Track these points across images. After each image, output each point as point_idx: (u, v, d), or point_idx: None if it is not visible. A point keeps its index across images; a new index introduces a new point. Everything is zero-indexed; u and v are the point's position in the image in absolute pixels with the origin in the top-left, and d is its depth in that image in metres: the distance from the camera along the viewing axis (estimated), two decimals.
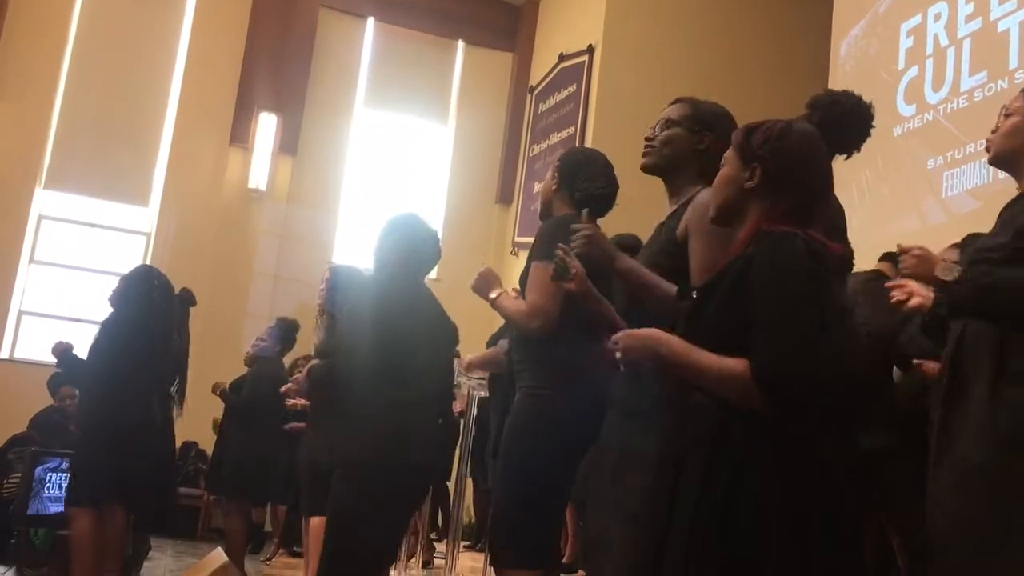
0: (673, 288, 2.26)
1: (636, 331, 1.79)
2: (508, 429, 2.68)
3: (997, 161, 2.54)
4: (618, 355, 1.80)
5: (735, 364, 1.63)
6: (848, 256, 2.44)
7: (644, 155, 2.54)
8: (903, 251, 2.53)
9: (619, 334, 1.82)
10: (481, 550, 5.67)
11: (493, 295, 2.83)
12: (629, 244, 3.29)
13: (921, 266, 2.47)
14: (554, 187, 2.91)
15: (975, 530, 2.20)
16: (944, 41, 5.52)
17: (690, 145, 2.46)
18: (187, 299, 4.77)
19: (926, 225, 5.37)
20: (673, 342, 1.73)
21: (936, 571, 2.30)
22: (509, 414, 2.76)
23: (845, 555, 1.63)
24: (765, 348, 1.61)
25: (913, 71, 5.74)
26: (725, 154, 1.92)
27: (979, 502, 2.21)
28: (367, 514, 2.81)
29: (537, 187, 8.92)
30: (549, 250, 2.50)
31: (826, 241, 1.78)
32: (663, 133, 2.50)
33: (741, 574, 1.57)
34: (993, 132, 2.53)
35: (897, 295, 2.59)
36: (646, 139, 2.54)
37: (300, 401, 5.38)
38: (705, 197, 2.28)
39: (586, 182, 2.86)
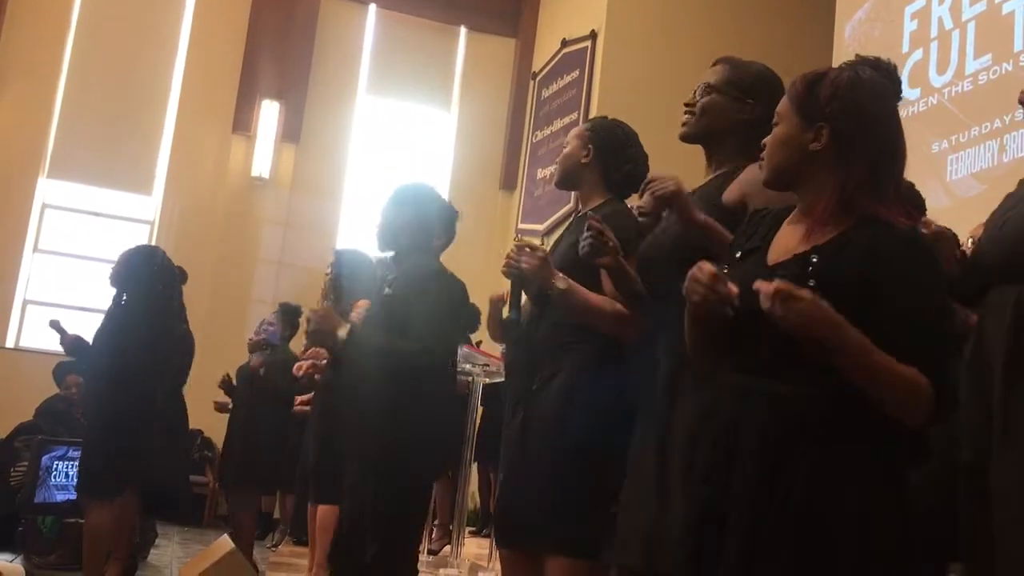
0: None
1: (809, 296, 1.46)
2: (560, 407, 2.46)
3: None
4: (777, 310, 1.47)
5: (914, 373, 1.48)
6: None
7: (683, 123, 2.35)
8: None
9: (790, 288, 1.47)
10: (486, 536, 5.69)
11: (563, 285, 2.43)
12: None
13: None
14: (585, 159, 2.68)
15: None
16: (949, 24, 5.49)
17: (731, 115, 2.27)
18: (178, 278, 4.77)
19: (930, 209, 5.33)
20: (852, 330, 1.48)
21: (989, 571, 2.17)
22: (532, 394, 2.57)
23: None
24: (938, 365, 1.50)
25: (918, 54, 5.72)
26: (778, 109, 1.72)
27: None
28: (414, 526, 2.86)
29: (541, 173, 8.91)
30: (628, 245, 2.35)
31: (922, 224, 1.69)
32: (703, 100, 2.32)
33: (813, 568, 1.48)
34: None
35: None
36: (686, 105, 2.36)
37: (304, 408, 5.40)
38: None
39: (629, 164, 2.68)
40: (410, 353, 2.72)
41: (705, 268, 1.60)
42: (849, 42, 6.47)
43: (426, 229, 3.01)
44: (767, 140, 1.72)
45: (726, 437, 1.60)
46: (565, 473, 2.41)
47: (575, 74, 8.62)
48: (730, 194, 2.18)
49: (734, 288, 1.57)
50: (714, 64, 2.39)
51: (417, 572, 2.94)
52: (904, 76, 5.76)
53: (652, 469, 2.11)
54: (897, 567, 1.50)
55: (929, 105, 5.53)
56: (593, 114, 8.05)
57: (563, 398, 2.47)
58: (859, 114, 1.63)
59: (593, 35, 8.37)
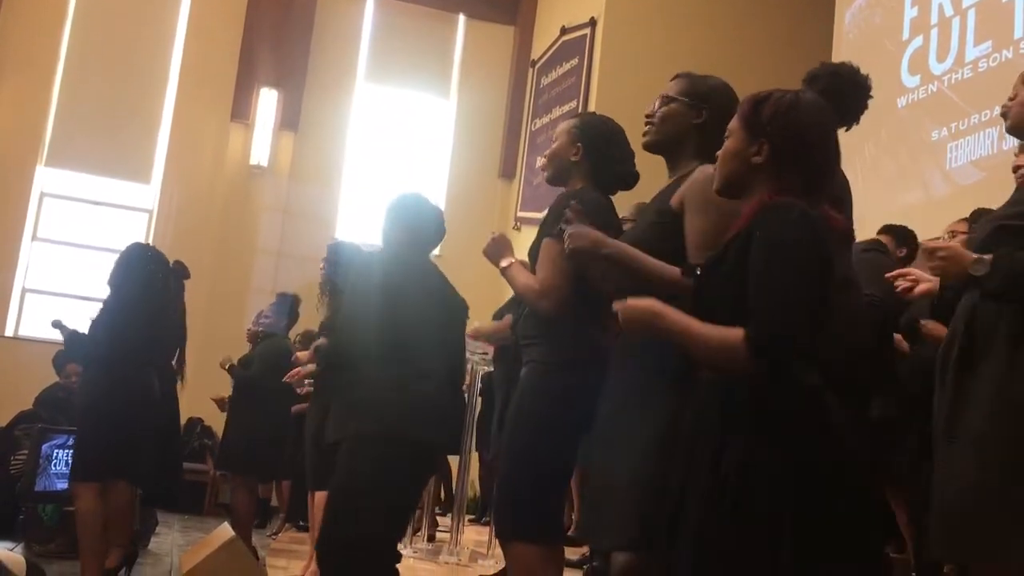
0: (671, 270, 2.20)
1: (636, 302, 1.78)
2: (516, 403, 2.63)
3: (1015, 130, 2.54)
4: (620, 324, 1.80)
5: (728, 332, 1.64)
6: (849, 230, 2.42)
7: (644, 133, 2.50)
8: (929, 251, 2.48)
9: (620, 303, 1.80)
10: (486, 524, 5.71)
11: (504, 264, 2.72)
12: None
13: (951, 267, 2.41)
14: (575, 157, 2.76)
15: (993, 501, 2.19)
16: (949, 11, 5.47)
17: (687, 120, 2.42)
18: (180, 272, 4.78)
19: (930, 196, 5.35)
20: (669, 314, 1.73)
21: (951, 543, 2.29)
22: (514, 387, 2.71)
23: (857, 514, 1.65)
24: (755, 314, 1.63)
25: (918, 41, 5.70)
26: (730, 125, 1.88)
27: (997, 473, 2.20)
28: (369, 488, 2.80)
29: (540, 161, 8.90)
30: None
31: (830, 213, 1.79)
32: (661, 110, 2.47)
33: (756, 539, 1.59)
34: (1011, 99, 2.51)
35: (902, 284, 2.71)
36: (646, 116, 2.51)
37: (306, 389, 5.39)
38: (705, 171, 2.25)
39: (616, 163, 2.75)
40: (323, 352, 3.00)
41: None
42: (849, 28, 6.46)
43: (417, 230, 3.18)
44: (719, 153, 1.89)
45: (693, 428, 1.76)
46: (517, 460, 2.58)
47: (574, 62, 8.60)
48: (676, 198, 2.33)
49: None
50: (672, 79, 2.53)
51: (398, 558, 2.95)
52: (904, 63, 5.77)
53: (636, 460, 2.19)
54: (823, 536, 1.60)
55: (929, 93, 5.52)
56: (593, 102, 8.04)
57: (523, 391, 2.61)
58: (795, 132, 1.79)
59: (592, 22, 8.34)
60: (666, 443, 2.00)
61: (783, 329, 1.62)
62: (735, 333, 1.64)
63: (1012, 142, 4.75)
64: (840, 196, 2.46)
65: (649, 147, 2.51)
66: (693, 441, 1.74)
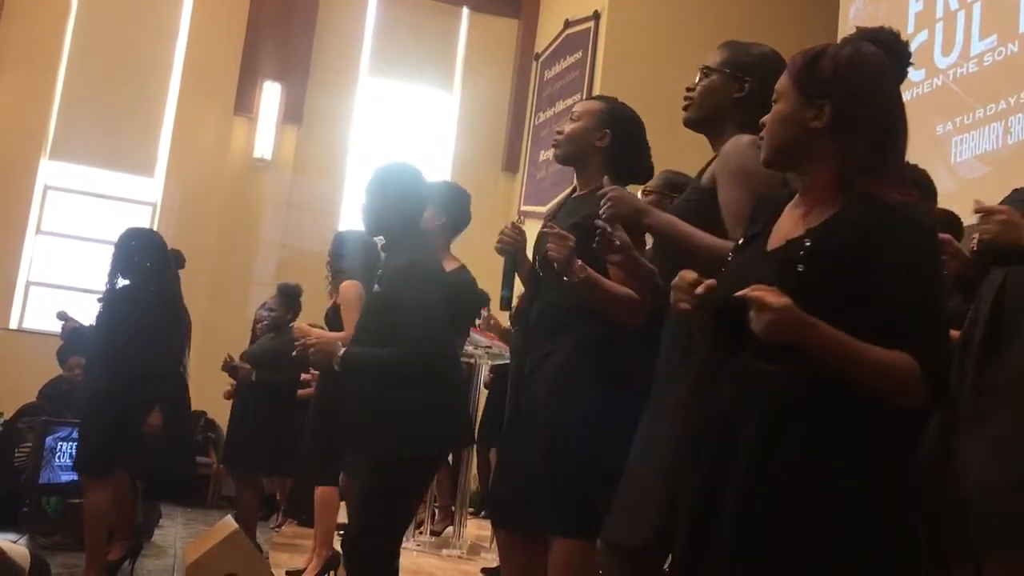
0: (722, 243, 2.01)
1: (778, 302, 1.44)
2: (556, 386, 2.43)
3: None
4: (754, 326, 1.46)
5: (896, 358, 1.44)
6: None
7: (684, 108, 2.34)
8: (982, 211, 2.26)
9: (755, 292, 1.45)
10: (486, 517, 5.70)
11: (583, 274, 2.33)
12: (682, 182, 2.87)
13: (1006, 233, 2.22)
14: (600, 143, 2.57)
15: (1010, 502, 2.10)
16: (954, 5, 5.45)
17: (728, 93, 2.25)
18: (176, 261, 4.76)
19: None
20: (823, 327, 1.44)
21: (968, 542, 2.21)
22: (523, 381, 2.55)
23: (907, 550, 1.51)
24: (929, 347, 1.45)
25: (923, 35, 5.68)
26: (777, 87, 1.67)
27: (1015, 471, 2.11)
28: (402, 503, 2.82)
29: (544, 155, 8.89)
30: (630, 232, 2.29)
31: (931, 208, 1.67)
32: (702, 83, 2.31)
33: (799, 551, 1.45)
34: None
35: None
36: (687, 90, 2.35)
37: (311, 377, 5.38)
38: (738, 141, 2.14)
39: (645, 159, 2.64)
40: (398, 363, 2.73)
41: (686, 276, 1.60)
42: (853, 22, 6.43)
43: (410, 213, 2.93)
44: (766, 119, 1.68)
45: (725, 419, 1.58)
46: (563, 452, 2.37)
47: (578, 55, 8.58)
48: (707, 175, 2.20)
49: (712, 284, 1.58)
50: (718, 48, 2.37)
51: (397, 555, 2.95)
52: None
53: (657, 452, 2.12)
54: (887, 544, 1.47)
55: (934, 87, 5.50)
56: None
57: (559, 378, 2.44)
58: (861, 90, 1.58)
59: (596, 16, 8.32)
60: (687, 439, 1.88)
61: (947, 363, 1.49)
62: (902, 360, 1.44)
63: (1017, 136, 4.74)
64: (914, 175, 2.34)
65: (689, 124, 2.35)
66: (727, 437, 1.57)
